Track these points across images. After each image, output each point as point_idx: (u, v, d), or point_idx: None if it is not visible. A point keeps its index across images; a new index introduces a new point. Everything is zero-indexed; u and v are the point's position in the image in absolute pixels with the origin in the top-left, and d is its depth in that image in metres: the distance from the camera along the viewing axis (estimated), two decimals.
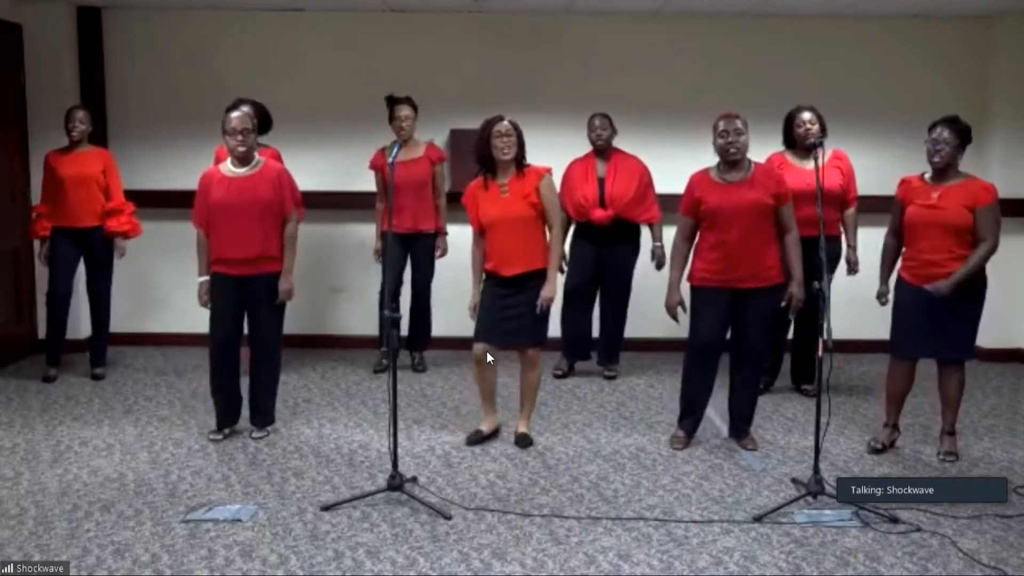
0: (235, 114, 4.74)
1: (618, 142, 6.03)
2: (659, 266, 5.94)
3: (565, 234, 5.84)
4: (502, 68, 6.74)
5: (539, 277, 4.72)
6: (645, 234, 6.05)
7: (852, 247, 5.61)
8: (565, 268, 5.92)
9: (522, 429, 4.91)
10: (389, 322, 4.08)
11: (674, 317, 4.75)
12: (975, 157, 6.62)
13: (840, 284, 5.34)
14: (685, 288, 4.74)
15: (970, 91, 6.73)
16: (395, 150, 4.35)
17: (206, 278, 4.81)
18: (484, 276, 4.81)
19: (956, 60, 6.77)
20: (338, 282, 6.84)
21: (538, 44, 6.75)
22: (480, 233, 4.78)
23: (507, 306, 4.71)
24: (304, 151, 6.64)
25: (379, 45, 6.75)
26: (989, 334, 6.55)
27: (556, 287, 4.80)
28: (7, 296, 6.40)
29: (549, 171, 4.80)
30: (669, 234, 5.19)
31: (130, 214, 5.97)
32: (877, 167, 6.26)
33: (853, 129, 6.45)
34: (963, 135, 4.48)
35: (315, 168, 6.59)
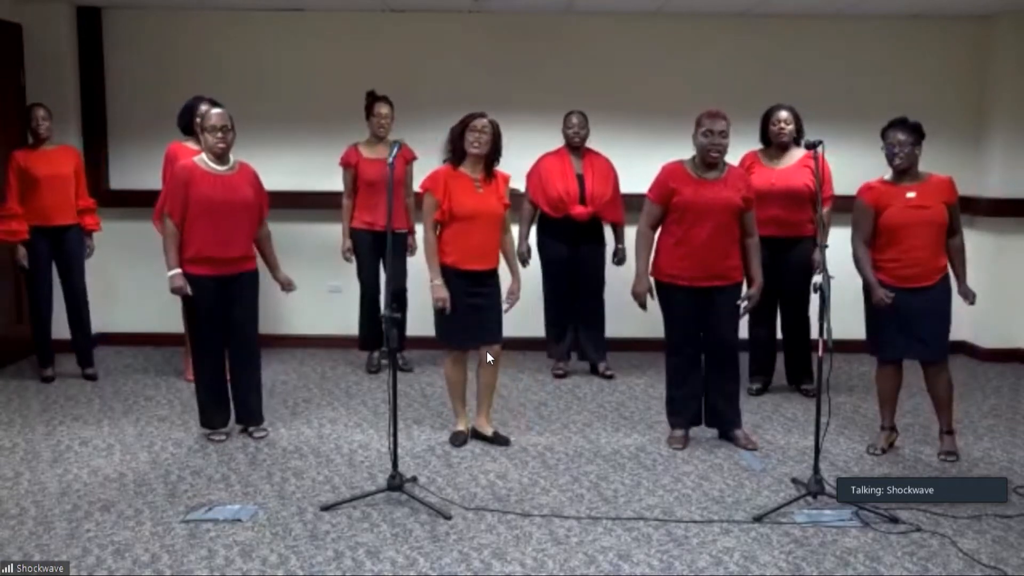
0: (216, 111, 4.68)
1: (619, 141, 6.04)
2: (620, 262, 6.00)
3: (529, 231, 5.97)
4: (502, 68, 6.74)
5: (496, 275, 4.76)
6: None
7: (820, 247, 5.54)
8: (528, 261, 5.99)
9: (490, 428, 4.90)
10: (390, 322, 4.07)
11: (642, 305, 4.78)
12: (975, 157, 6.68)
13: (838, 284, 5.32)
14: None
15: (970, 91, 6.74)
16: (395, 150, 4.35)
17: (180, 270, 4.67)
18: (442, 271, 4.67)
19: (956, 60, 6.77)
20: (338, 282, 6.84)
21: (538, 44, 6.76)
22: (442, 222, 4.67)
23: (477, 306, 4.71)
24: (305, 151, 6.66)
25: (379, 45, 6.76)
26: (989, 334, 6.58)
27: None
28: (7, 296, 6.39)
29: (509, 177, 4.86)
30: (630, 236, 5.19)
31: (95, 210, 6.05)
32: (877, 167, 6.24)
33: (853, 129, 6.44)
34: (917, 133, 4.52)
35: (317, 168, 6.59)
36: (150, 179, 6.64)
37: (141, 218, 6.15)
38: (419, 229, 5.15)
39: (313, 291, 6.73)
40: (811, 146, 4.32)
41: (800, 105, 5.59)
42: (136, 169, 6.64)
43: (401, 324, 6.20)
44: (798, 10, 6.57)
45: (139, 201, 6.30)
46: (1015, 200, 6.55)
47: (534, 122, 6.38)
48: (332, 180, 6.59)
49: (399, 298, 6.13)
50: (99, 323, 6.47)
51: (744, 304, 4.72)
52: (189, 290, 4.68)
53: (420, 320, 6.16)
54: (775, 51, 6.75)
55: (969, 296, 4.67)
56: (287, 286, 4.96)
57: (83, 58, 6.69)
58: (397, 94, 6.05)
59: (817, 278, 4.08)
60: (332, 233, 6.55)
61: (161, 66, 6.79)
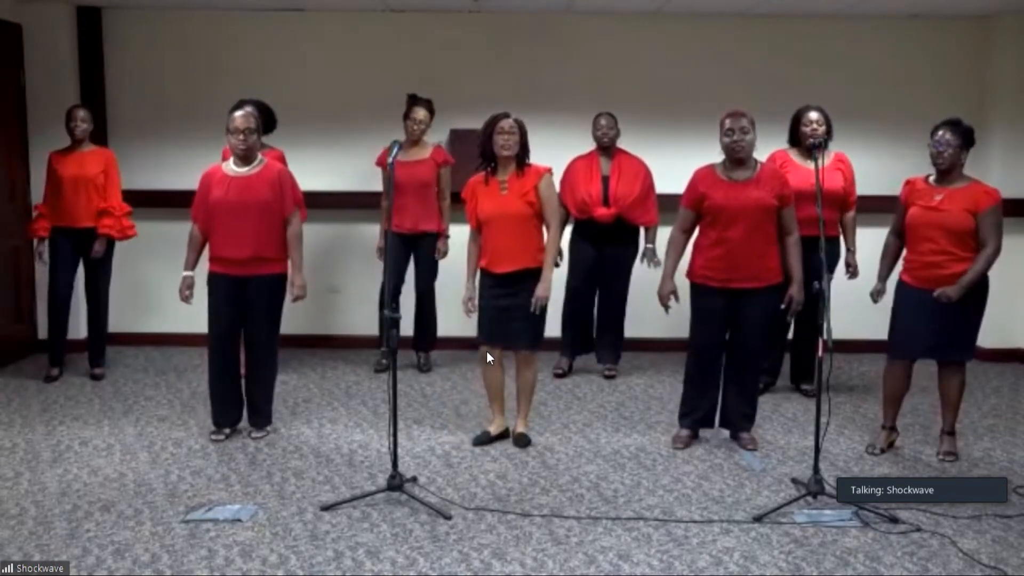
0: (239, 113, 4.75)
1: (619, 141, 6.04)
2: (650, 264, 5.97)
3: (562, 232, 5.86)
4: (502, 68, 6.74)
5: (535, 277, 4.70)
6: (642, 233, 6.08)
7: (851, 251, 5.62)
8: (559, 263, 5.94)
9: (520, 429, 4.91)
10: (389, 322, 4.08)
11: (665, 307, 4.76)
12: (975, 157, 6.59)
13: (840, 284, 5.33)
14: (682, 284, 4.76)
15: (970, 91, 6.73)
16: (395, 150, 4.35)
17: (191, 273, 4.82)
18: (479, 273, 4.81)
19: (956, 60, 6.77)
20: (338, 282, 6.84)
21: (538, 44, 6.76)
22: (477, 229, 4.78)
23: (503, 307, 4.71)
24: (304, 151, 6.63)
25: (379, 45, 6.75)
26: (989, 334, 6.53)
27: (551, 286, 4.76)
28: (7, 296, 6.39)
29: (549, 171, 4.80)
30: (663, 238, 5.18)
31: (121, 217, 5.92)
32: (877, 167, 6.27)
33: (853, 129, 6.44)
34: (965, 136, 4.48)
35: (315, 168, 6.57)
36: (151, 179, 6.67)
37: (141, 218, 6.16)
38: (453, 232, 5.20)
39: (313, 291, 6.73)
40: (815, 146, 4.32)
41: (800, 105, 5.58)
42: (136, 169, 6.63)
43: (430, 324, 6.23)
44: (798, 10, 6.57)
45: (139, 201, 6.30)
46: (1015, 200, 6.54)
47: (534, 122, 6.29)
48: (331, 180, 6.60)
49: (424, 298, 6.14)
50: None
51: (783, 307, 4.62)
52: (186, 297, 4.82)
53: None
54: (775, 51, 6.74)
55: (947, 295, 4.44)
56: (295, 290, 4.88)
57: (83, 58, 6.69)
58: (396, 94, 6.04)
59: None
60: (331, 234, 6.55)
61: (161, 66, 6.79)
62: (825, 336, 3.97)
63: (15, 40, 6.43)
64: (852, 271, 5.61)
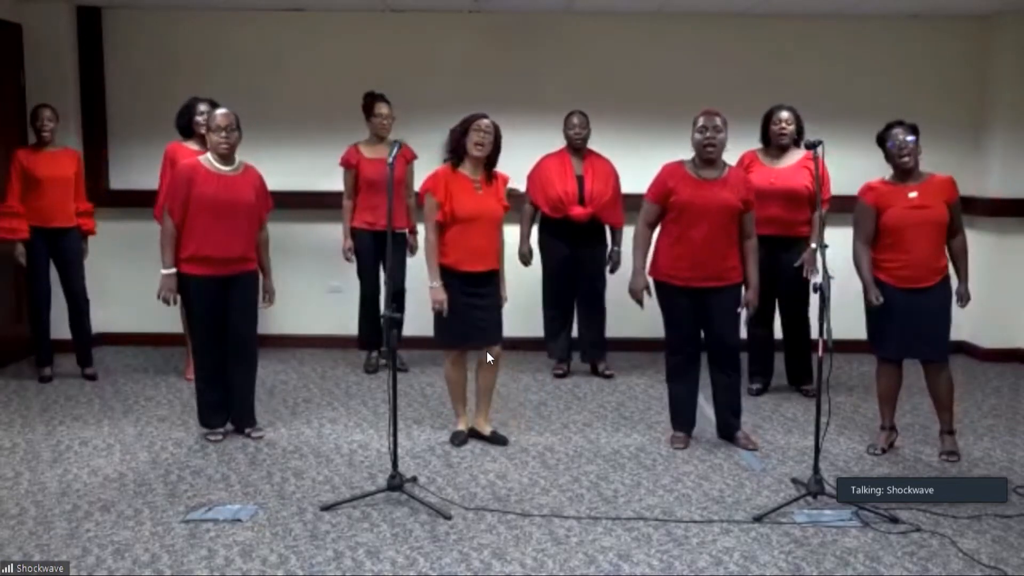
0: (221, 111, 4.69)
1: (620, 141, 6.05)
2: (612, 269, 6.03)
3: (530, 231, 5.96)
4: (502, 68, 6.75)
5: (496, 276, 4.77)
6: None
7: (821, 247, 5.54)
8: (530, 262, 6.05)
9: (490, 428, 4.91)
10: (389, 322, 4.08)
11: (639, 301, 4.79)
12: (975, 157, 6.68)
13: (838, 284, 5.32)
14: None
15: (970, 91, 6.74)
16: (394, 150, 4.35)
17: (174, 271, 4.68)
18: (441, 272, 4.66)
19: (956, 60, 6.77)
20: (335, 282, 6.84)
21: (538, 44, 6.76)
22: (445, 224, 4.65)
23: (479, 306, 4.71)
24: (305, 151, 6.65)
25: (379, 45, 6.76)
26: (989, 334, 6.58)
27: None
28: (6, 296, 6.39)
29: (508, 179, 4.87)
30: (628, 240, 5.20)
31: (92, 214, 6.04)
32: (875, 167, 6.23)
33: (852, 129, 6.43)
34: (917, 133, 4.57)
35: (318, 168, 6.59)
36: (150, 179, 6.62)
37: (141, 218, 6.16)
38: (421, 230, 5.14)
39: (313, 291, 6.74)
40: (811, 146, 4.32)
41: (799, 105, 5.60)
42: (136, 169, 6.64)
43: (400, 324, 6.22)
44: (798, 10, 6.57)
45: (139, 201, 6.30)
46: (1015, 200, 6.55)
47: (534, 122, 6.38)
48: (333, 180, 6.59)
49: (398, 298, 6.13)
50: (99, 323, 6.46)
51: (745, 310, 4.71)
52: (173, 298, 4.72)
53: (421, 319, 6.18)
54: (775, 51, 6.75)
55: (964, 299, 4.69)
56: (267, 296, 4.94)
57: (83, 58, 6.69)
58: (397, 94, 6.05)
59: (817, 278, 4.07)
60: (332, 233, 6.54)
61: (161, 66, 6.79)
62: (825, 336, 3.98)
63: (15, 40, 6.42)
64: (807, 266, 5.45)
